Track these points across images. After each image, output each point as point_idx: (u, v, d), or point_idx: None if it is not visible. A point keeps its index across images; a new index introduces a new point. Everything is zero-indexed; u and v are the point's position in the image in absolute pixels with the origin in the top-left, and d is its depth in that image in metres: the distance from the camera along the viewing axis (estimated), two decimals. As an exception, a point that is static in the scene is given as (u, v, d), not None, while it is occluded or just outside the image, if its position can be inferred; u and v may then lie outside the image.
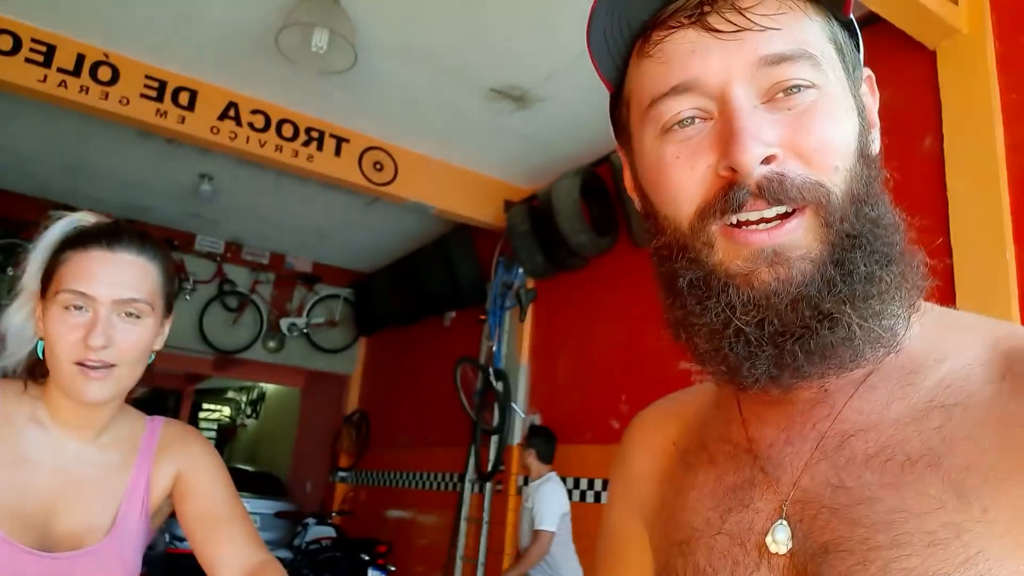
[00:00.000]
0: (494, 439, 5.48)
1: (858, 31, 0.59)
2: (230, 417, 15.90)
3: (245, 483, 8.57)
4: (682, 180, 0.54)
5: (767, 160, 0.51)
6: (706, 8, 0.54)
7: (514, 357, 5.53)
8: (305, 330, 8.21)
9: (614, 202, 4.63)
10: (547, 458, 4.04)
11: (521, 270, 5.40)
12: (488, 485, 5.50)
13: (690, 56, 0.54)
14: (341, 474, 8.48)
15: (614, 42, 0.59)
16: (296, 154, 4.84)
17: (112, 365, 1.10)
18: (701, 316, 0.55)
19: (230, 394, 15.35)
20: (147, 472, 1.22)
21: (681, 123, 0.55)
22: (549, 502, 3.82)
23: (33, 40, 4.11)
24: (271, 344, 8.12)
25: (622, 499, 0.73)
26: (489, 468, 5.37)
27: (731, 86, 0.53)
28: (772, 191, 0.51)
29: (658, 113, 0.56)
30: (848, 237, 0.51)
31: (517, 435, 5.29)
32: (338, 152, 4.97)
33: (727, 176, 0.52)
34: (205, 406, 15.99)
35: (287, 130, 4.83)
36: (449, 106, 4.61)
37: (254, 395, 14.29)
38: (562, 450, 4.64)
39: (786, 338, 0.51)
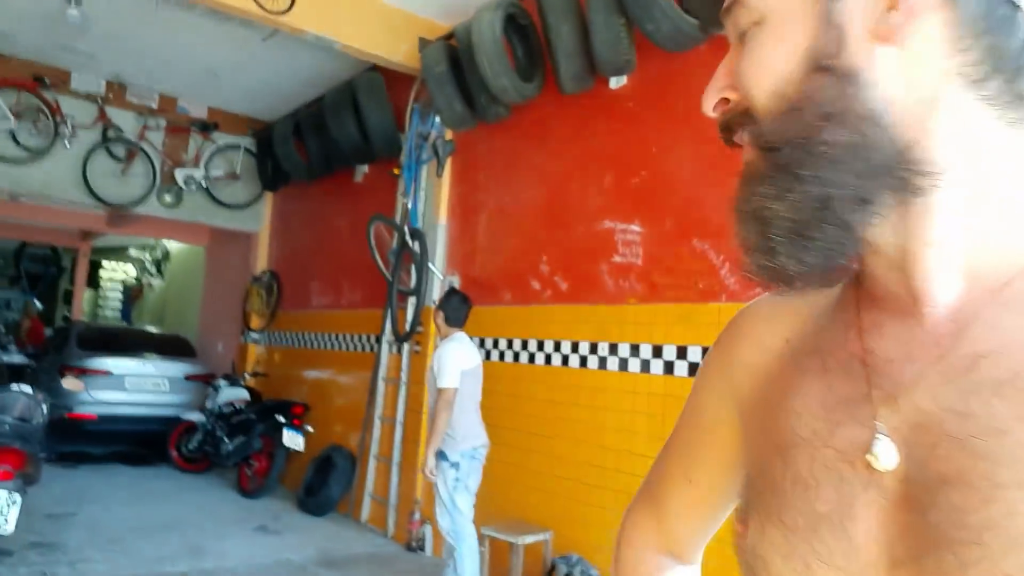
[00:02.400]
0: (411, 300, 5.24)
1: None
2: (135, 278, 15.11)
3: (152, 345, 8.15)
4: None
5: (720, 104, 0.57)
6: None
7: (431, 215, 5.18)
8: (204, 183, 7.56)
9: (540, 42, 4.17)
10: (457, 322, 3.86)
11: (438, 119, 4.93)
12: (406, 346, 5.31)
13: None
14: (253, 335, 8.16)
15: None
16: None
17: None
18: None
19: (132, 252, 14.47)
20: None
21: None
22: (448, 360, 3.71)
23: None
24: (167, 198, 7.46)
25: (718, 383, 0.71)
26: (407, 329, 5.15)
27: (726, 30, 0.58)
28: (723, 130, 0.58)
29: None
30: (770, 151, 0.52)
31: (435, 296, 5.05)
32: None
33: None
34: (106, 264, 15.10)
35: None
36: (353, -82, 3.93)
37: (158, 254, 13.52)
38: (481, 312, 4.45)
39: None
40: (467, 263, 4.95)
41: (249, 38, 5.70)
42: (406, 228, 5.20)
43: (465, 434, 3.74)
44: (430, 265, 4.99)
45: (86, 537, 4.88)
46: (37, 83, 6.47)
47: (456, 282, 4.94)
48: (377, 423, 5.62)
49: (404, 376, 5.33)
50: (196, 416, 7.32)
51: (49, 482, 6.33)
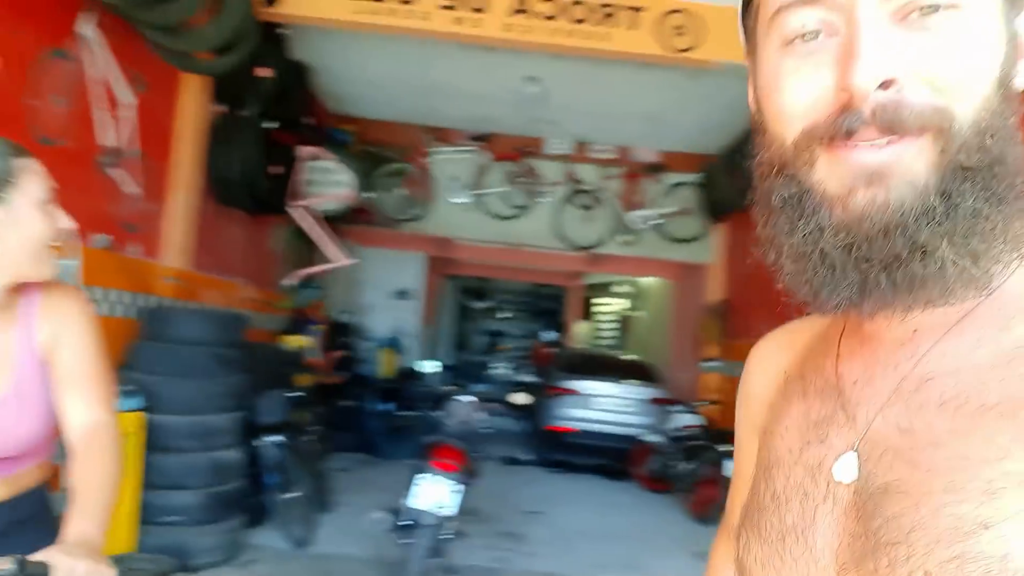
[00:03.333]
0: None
1: None
2: (622, 310, 16.87)
3: (623, 370, 8.98)
4: (795, 96, 0.53)
5: (886, 84, 0.48)
6: None
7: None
8: (658, 221, 8.11)
9: None
10: None
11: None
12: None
13: None
14: (709, 363, 8.34)
15: None
16: (589, 36, 4.64)
17: None
18: (790, 236, 0.54)
19: (616, 287, 16.20)
20: (32, 331, 1.32)
21: (804, 36, 0.53)
22: None
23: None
24: (626, 238, 8.23)
25: (744, 417, 0.77)
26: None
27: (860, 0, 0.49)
28: (886, 119, 0.48)
29: (782, 23, 0.54)
30: (963, 169, 0.48)
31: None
32: (633, 24, 4.61)
33: (842, 99, 0.50)
34: (596, 300, 17.21)
35: (579, 12, 4.63)
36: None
37: (636, 287, 14.85)
38: None
39: (872, 265, 0.50)
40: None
41: (676, 80, 6.00)
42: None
43: None
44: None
45: (545, 534, 5.64)
46: (519, 153, 7.91)
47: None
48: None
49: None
50: (656, 438, 7.79)
51: (532, 483, 7.52)
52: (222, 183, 5.04)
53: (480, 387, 14.49)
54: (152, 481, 3.77)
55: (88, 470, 1.24)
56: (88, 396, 1.34)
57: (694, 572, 5.10)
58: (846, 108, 0.49)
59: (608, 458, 8.58)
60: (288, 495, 4.64)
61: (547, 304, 16.48)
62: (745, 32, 0.63)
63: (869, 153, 0.49)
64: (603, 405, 8.34)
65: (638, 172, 8.17)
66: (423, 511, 3.54)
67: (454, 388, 4.73)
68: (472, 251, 10.85)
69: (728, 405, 7.73)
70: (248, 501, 4.48)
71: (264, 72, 5.03)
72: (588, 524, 6.15)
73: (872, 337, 0.57)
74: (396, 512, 3.97)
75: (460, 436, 3.87)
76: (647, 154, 8.14)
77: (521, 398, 4.18)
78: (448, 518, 3.58)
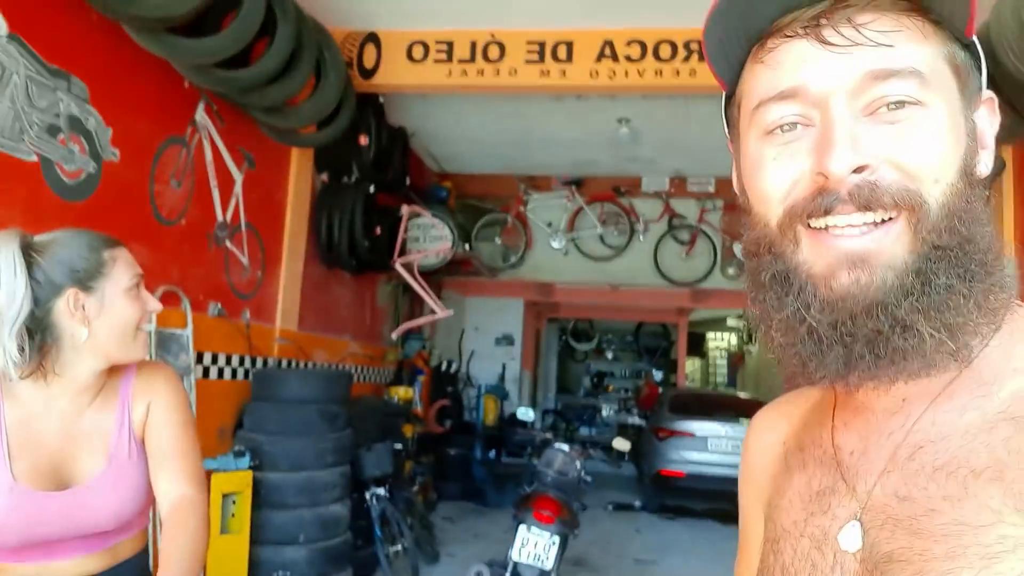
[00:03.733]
0: None
1: (980, 53, 0.59)
2: (736, 346, 16.29)
3: (734, 408, 8.61)
4: (776, 180, 0.57)
5: (860, 169, 0.52)
6: (822, 21, 0.55)
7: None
8: (761, 253, 7.84)
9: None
10: None
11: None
12: None
13: (800, 65, 0.56)
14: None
15: (731, 45, 0.61)
16: (678, 73, 4.62)
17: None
18: (779, 311, 0.56)
19: (730, 322, 15.69)
20: (127, 410, 1.41)
21: (783, 127, 0.57)
22: None
23: (436, 42, 4.82)
24: (729, 271, 8.00)
25: (747, 491, 0.78)
26: None
27: (834, 96, 0.54)
28: (863, 197, 0.52)
29: (763, 115, 0.58)
30: (936, 249, 0.52)
31: None
32: (716, 59, 4.55)
33: (820, 182, 0.54)
34: (711, 335, 16.71)
35: (664, 51, 4.63)
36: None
37: (748, 326, 14.34)
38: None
39: (856, 339, 0.52)
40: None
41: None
42: None
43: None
44: None
45: (659, 585, 5.44)
46: (614, 193, 7.89)
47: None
48: None
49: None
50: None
51: (643, 530, 7.29)
52: (328, 247, 5.32)
53: (585, 430, 14.36)
54: (262, 536, 3.93)
55: (174, 543, 1.32)
56: (177, 471, 1.41)
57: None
58: (823, 190, 0.53)
59: (723, 502, 8.19)
60: (394, 547, 4.72)
61: (652, 342, 16.16)
62: (728, 122, 0.68)
63: (850, 240, 0.53)
64: (717, 447, 8.03)
65: (739, 203, 7.94)
66: (525, 564, 3.51)
67: (550, 436, 4.70)
68: (570, 293, 10.85)
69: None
70: (355, 554, 4.58)
71: (363, 140, 5.31)
72: (703, 573, 5.88)
73: (864, 407, 0.59)
74: (500, 565, 3.95)
75: (557, 486, 3.82)
76: (746, 185, 7.93)
77: (622, 443, 4.08)
78: (547, 571, 3.53)
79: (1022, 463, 0.48)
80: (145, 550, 1.48)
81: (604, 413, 14.58)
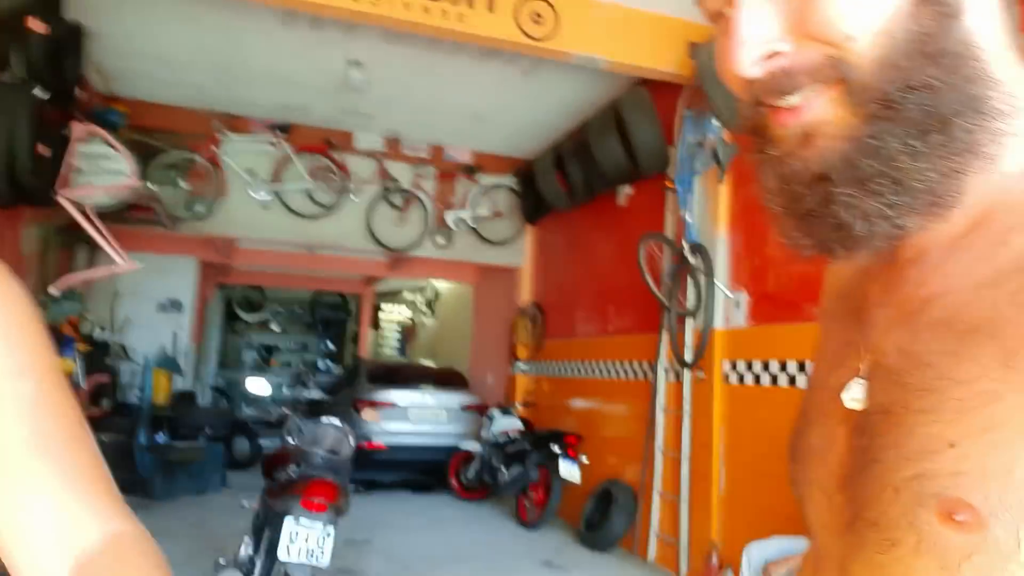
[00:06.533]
0: (690, 322, 4.87)
1: None
2: (410, 318, 16.47)
3: (431, 378, 8.60)
4: (724, 72, 0.54)
5: (771, 56, 0.49)
6: None
7: (710, 228, 4.79)
8: (471, 223, 7.89)
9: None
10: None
11: (716, 122, 4.56)
12: (687, 373, 4.93)
13: None
14: (521, 366, 8.29)
15: None
16: (445, 14, 4.26)
17: None
18: (768, 184, 0.54)
19: (406, 295, 15.79)
20: None
21: (720, 16, 0.54)
22: None
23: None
24: (439, 240, 7.91)
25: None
26: (694, 354, 4.77)
27: None
28: (779, 87, 0.50)
29: (704, 2, 0.55)
30: (883, 106, 0.47)
31: (719, 317, 4.63)
32: (491, 7, 4.32)
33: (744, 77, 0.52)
34: (384, 307, 16.64)
35: (435, -15, 4.23)
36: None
37: (429, 294, 14.58)
38: (776, 330, 3.94)
39: (812, 216, 0.51)
40: (757, 278, 4.46)
41: (509, 76, 5.82)
42: (685, 244, 4.86)
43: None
44: (716, 282, 4.59)
45: (383, 565, 5.11)
46: (327, 146, 7.22)
47: (744, 299, 4.49)
48: (659, 457, 5.28)
49: (687, 407, 4.94)
50: (473, 446, 7.53)
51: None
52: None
53: (248, 410, 13.22)
54: None
55: None
56: (74, 487, 0.58)
57: (550, 583, 4.91)
58: (751, 84, 0.51)
59: (423, 471, 8.15)
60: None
61: (328, 314, 15.55)
62: None
63: (792, 116, 0.50)
64: (417, 416, 7.92)
65: (453, 172, 7.88)
66: (296, 563, 2.89)
67: (287, 410, 4.05)
68: (253, 256, 9.79)
69: (538, 405, 7.75)
70: None
71: (37, 26, 3.92)
72: (424, 547, 5.71)
73: (891, 256, 0.56)
74: (240, 565, 3.24)
75: (330, 467, 3.25)
76: (462, 154, 7.89)
77: (369, 415, 3.63)
78: (323, 568, 2.97)
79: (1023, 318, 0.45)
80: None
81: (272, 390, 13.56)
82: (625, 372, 6.09)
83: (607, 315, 6.56)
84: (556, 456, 6.17)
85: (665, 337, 5.19)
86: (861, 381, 0.54)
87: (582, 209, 6.84)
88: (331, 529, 3.01)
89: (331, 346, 16.67)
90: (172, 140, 6.76)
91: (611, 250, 6.44)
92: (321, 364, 15.40)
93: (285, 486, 3.15)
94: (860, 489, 0.50)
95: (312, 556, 2.91)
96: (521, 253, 8.39)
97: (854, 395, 0.54)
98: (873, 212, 0.48)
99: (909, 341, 0.51)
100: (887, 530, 0.48)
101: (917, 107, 0.47)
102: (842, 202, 0.48)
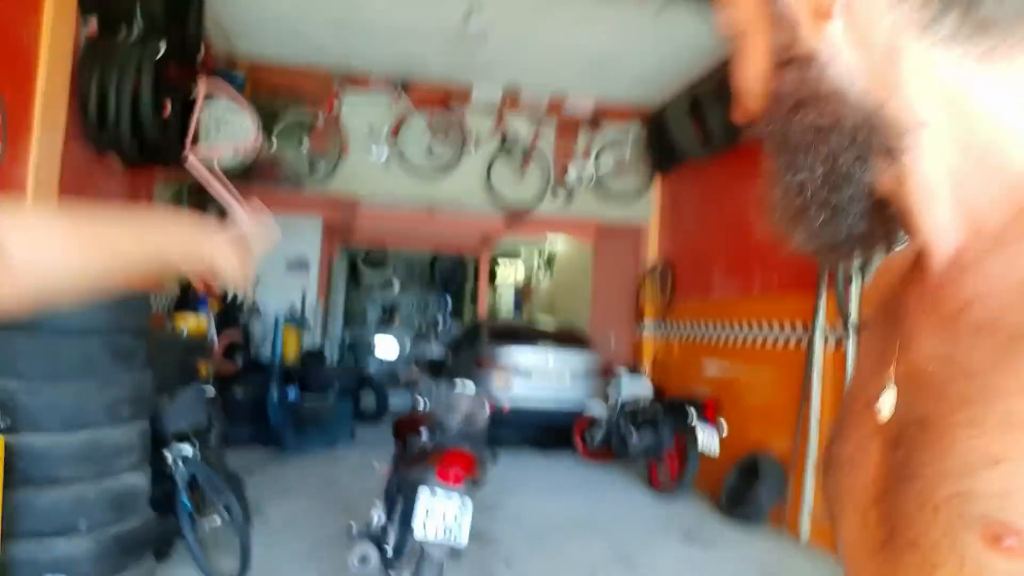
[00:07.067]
0: (856, 282, 4.28)
1: None
2: (526, 277, 16.27)
3: (554, 338, 8.29)
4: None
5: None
6: None
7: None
8: (594, 177, 7.44)
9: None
10: None
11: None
12: (852, 337, 4.36)
13: None
14: (648, 327, 7.85)
15: None
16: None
17: None
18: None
19: (523, 254, 15.57)
20: None
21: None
22: None
23: None
24: (560, 196, 7.52)
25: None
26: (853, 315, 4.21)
27: None
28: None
29: None
30: (770, 145, 0.57)
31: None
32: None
33: None
34: (501, 266, 16.51)
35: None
36: None
37: (545, 254, 14.28)
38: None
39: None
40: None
41: (639, 17, 5.31)
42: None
43: None
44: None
45: (513, 532, 4.92)
46: (446, 100, 6.95)
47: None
48: (815, 429, 4.75)
49: (851, 374, 4.37)
50: (598, 409, 7.20)
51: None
52: (100, 123, 3.81)
53: (374, 365, 13.51)
54: (18, 527, 2.68)
55: None
56: None
57: (692, 560, 4.55)
58: None
59: (548, 431, 7.91)
60: (208, 521, 3.64)
61: (448, 274, 15.60)
62: None
63: None
64: (540, 377, 7.67)
65: (575, 124, 7.43)
66: (433, 543, 2.68)
67: (417, 373, 3.85)
68: (375, 220, 9.78)
69: (668, 367, 7.29)
70: (158, 533, 3.43)
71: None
72: (555, 513, 5.49)
73: (924, 261, 0.54)
74: (373, 538, 3.08)
75: (466, 436, 3.01)
76: (584, 102, 7.41)
77: (502, 379, 3.34)
78: (460, 549, 2.75)
79: None
80: None
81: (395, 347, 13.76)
82: (773, 335, 5.54)
83: (751, 273, 5.99)
84: (692, 423, 5.75)
85: (824, 297, 4.62)
86: (892, 389, 0.51)
87: (724, 157, 6.24)
88: (469, 504, 2.78)
89: (450, 304, 16.78)
90: (292, 100, 6.70)
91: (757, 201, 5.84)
92: (441, 322, 15.48)
93: (419, 455, 2.94)
94: (897, 506, 0.48)
95: (449, 534, 2.69)
96: (648, 207, 7.87)
97: (887, 402, 0.52)
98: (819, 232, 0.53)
99: (948, 348, 0.48)
100: (927, 552, 0.44)
101: (789, 144, 0.53)
102: (806, 216, 0.53)
